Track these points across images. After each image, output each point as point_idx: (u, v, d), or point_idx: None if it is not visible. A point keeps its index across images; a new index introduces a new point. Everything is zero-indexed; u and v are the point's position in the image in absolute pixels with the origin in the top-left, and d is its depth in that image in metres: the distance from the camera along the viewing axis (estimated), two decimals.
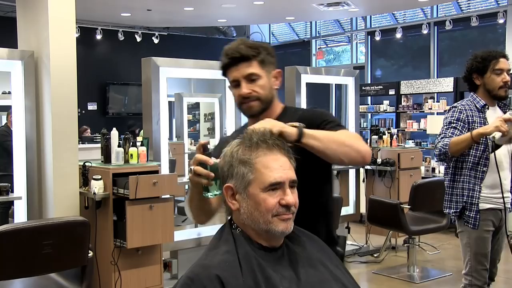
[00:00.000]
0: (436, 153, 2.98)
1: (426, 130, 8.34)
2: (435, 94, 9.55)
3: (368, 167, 5.94)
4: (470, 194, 3.00)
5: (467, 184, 3.00)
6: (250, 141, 1.49)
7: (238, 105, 1.86)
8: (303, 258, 1.53)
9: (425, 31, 10.86)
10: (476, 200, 2.98)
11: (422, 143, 8.96)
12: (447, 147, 2.87)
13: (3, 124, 6.13)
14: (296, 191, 1.50)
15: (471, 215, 3.00)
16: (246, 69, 1.81)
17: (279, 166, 1.47)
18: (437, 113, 8.77)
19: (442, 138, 2.96)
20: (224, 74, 1.88)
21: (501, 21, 9.90)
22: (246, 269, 1.42)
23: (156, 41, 11.75)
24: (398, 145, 6.24)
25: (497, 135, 2.70)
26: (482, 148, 2.96)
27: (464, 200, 3.02)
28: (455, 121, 2.97)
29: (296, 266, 1.50)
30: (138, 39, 11.48)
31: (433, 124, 7.10)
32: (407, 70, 12.12)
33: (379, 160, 5.84)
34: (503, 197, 2.95)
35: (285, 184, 1.46)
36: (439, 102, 9.33)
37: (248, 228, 1.50)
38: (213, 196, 1.58)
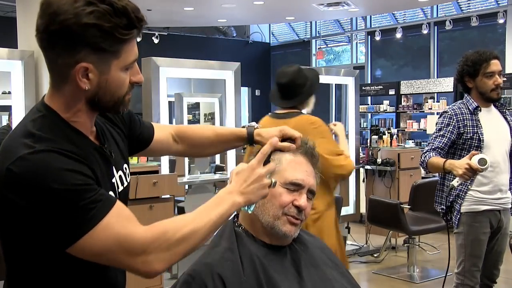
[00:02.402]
0: (420, 161, 3.03)
1: (426, 130, 8.34)
2: (435, 94, 9.56)
3: (368, 167, 5.94)
4: (456, 193, 3.01)
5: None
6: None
7: (124, 95, 1.23)
8: (306, 257, 1.53)
9: (425, 31, 10.86)
10: (461, 200, 2.99)
11: (422, 143, 8.96)
12: (425, 165, 2.95)
13: (4, 124, 6.13)
14: (311, 203, 1.53)
15: (452, 215, 3.04)
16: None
17: (304, 171, 1.51)
18: (437, 113, 8.77)
19: (429, 148, 3.00)
20: (118, 39, 1.15)
21: (501, 21, 9.91)
22: (248, 268, 1.41)
23: (156, 41, 11.75)
24: (398, 145, 6.23)
25: (456, 183, 2.72)
26: (473, 150, 2.96)
27: (450, 199, 3.03)
28: (444, 128, 3.00)
29: (299, 266, 1.50)
30: (138, 39, 11.39)
31: (433, 124, 7.06)
32: (407, 70, 12.12)
33: (379, 160, 5.84)
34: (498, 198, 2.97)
35: (304, 188, 1.50)
36: (439, 102, 9.33)
37: (255, 220, 1.50)
38: (248, 211, 1.34)
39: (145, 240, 1.13)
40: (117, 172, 1.32)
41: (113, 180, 1.29)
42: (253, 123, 1.66)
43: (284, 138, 1.51)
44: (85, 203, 1.09)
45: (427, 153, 2.97)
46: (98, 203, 1.11)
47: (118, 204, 1.16)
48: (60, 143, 1.13)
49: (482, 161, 2.59)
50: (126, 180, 1.37)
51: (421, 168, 3.04)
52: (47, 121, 1.17)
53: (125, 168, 1.37)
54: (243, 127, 1.65)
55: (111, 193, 1.24)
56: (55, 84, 1.19)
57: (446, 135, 2.98)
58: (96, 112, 1.25)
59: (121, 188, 1.33)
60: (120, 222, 1.13)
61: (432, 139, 3.04)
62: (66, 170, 1.09)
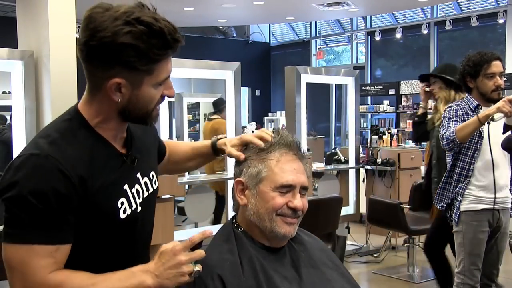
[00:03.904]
0: (444, 143, 2.96)
1: None
2: None
3: (368, 167, 5.94)
4: (456, 191, 3.05)
5: (456, 182, 3.06)
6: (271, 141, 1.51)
7: (152, 109, 1.28)
8: (305, 258, 1.53)
9: (425, 31, 10.87)
10: (460, 197, 3.02)
11: (422, 143, 8.95)
12: (454, 134, 2.88)
13: (5, 124, 6.14)
14: (306, 197, 1.51)
15: (452, 213, 3.08)
16: None
17: (293, 169, 1.48)
18: None
19: (446, 130, 2.96)
20: (152, 59, 1.19)
21: (501, 21, 9.92)
22: (248, 269, 1.42)
23: None
24: (398, 145, 6.24)
25: (497, 116, 2.73)
26: (474, 147, 3.00)
27: (451, 197, 3.07)
28: (453, 116, 3.03)
29: (298, 266, 1.50)
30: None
31: None
32: (407, 70, 12.12)
33: (379, 160, 5.84)
34: (495, 197, 2.99)
35: (296, 188, 1.48)
36: None
37: (253, 226, 1.50)
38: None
39: (41, 285, 1.16)
40: (142, 178, 1.36)
41: (135, 186, 1.33)
42: (220, 135, 1.67)
43: (245, 145, 1.54)
44: (37, 221, 1.14)
45: (448, 128, 2.94)
46: (48, 231, 1.16)
47: (62, 246, 1.18)
48: (69, 154, 1.19)
49: None
50: (152, 187, 1.41)
51: (446, 146, 2.94)
52: (71, 124, 1.25)
53: (152, 175, 1.41)
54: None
55: (122, 201, 1.28)
56: (90, 91, 1.27)
57: (457, 120, 2.99)
58: (127, 122, 1.30)
59: (146, 193, 1.37)
60: (42, 260, 1.15)
61: (446, 124, 3.00)
62: (51, 189, 1.15)
